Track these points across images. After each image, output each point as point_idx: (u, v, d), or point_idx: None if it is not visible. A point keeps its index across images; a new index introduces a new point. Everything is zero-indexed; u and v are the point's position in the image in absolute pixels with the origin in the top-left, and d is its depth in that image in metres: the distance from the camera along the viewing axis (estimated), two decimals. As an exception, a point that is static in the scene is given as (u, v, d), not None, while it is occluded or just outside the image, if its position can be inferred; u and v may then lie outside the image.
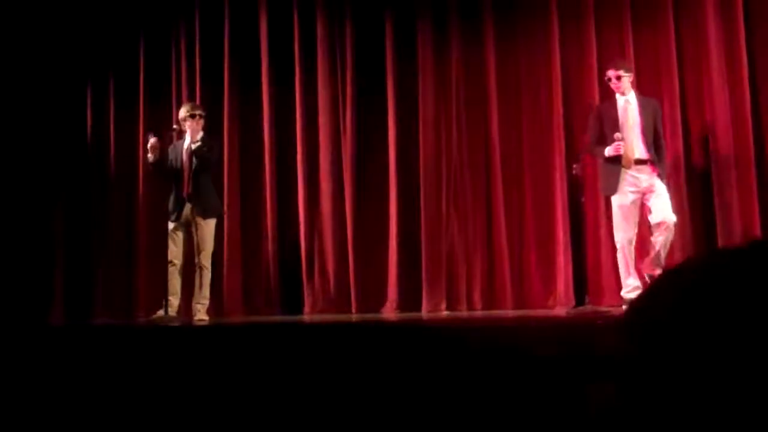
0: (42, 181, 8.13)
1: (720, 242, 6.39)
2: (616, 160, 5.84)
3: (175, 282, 6.56)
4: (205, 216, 6.56)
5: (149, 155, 6.56)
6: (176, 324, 6.32)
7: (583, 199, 6.65)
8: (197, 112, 6.67)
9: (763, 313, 0.65)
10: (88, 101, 8.27)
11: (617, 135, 5.80)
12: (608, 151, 5.84)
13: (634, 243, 5.92)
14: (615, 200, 5.93)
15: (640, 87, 6.58)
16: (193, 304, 6.59)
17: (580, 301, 6.63)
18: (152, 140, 6.56)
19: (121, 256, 8.00)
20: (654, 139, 5.87)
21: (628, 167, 5.82)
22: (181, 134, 6.71)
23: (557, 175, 6.89)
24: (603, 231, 6.71)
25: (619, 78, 5.91)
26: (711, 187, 6.47)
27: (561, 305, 6.68)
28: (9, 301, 7.54)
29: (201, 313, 6.55)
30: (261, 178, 7.73)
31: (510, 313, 6.69)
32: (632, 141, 5.84)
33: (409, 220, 7.26)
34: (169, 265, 6.55)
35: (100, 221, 8.07)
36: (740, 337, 0.65)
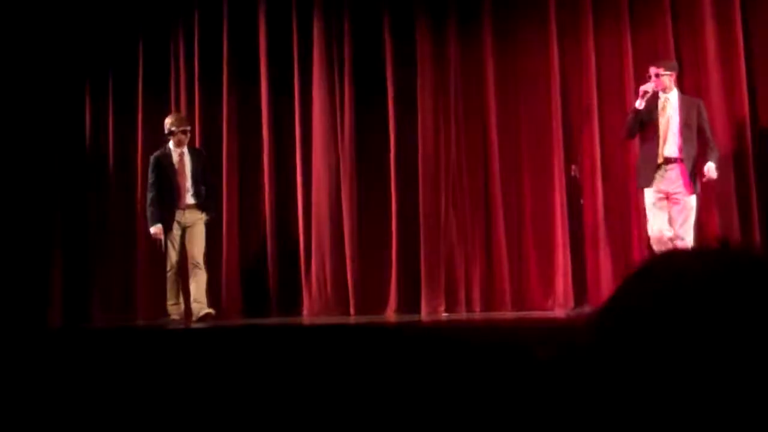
0: (40, 183, 8.11)
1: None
2: (654, 155, 5.88)
3: (178, 286, 6.64)
4: (204, 219, 6.68)
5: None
6: (177, 326, 6.35)
7: (582, 201, 6.66)
8: (189, 127, 6.86)
9: (726, 315, 0.66)
10: (87, 102, 8.27)
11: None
12: (639, 102, 5.91)
13: (666, 235, 5.87)
14: (647, 193, 5.96)
15: (637, 90, 6.59)
16: (192, 305, 6.64)
17: (579, 302, 6.64)
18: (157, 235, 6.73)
19: (120, 259, 7.99)
20: (699, 139, 5.90)
21: (660, 162, 5.88)
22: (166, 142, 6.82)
23: (556, 177, 6.88)
24: (602, 232, 6.72)
25: (657, 76, 5.94)
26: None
27: (560, 307, 6.68)
28: (7, 303, 7.53)
29: (204, 309, 6.60)
30: (259, 179, 7.72)
31: (509, 314, 6.69)
32: (667, 138, 5.90)
33: (408, 221, 7.26)
34: (170, 271, 6.63)
35: (99, 223, 8.07)
36: (705, 337, 0.65)
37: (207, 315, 6.56)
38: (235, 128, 7.86)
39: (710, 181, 5.93)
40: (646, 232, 6.41)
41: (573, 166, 6.54)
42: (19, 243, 7.96)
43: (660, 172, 5.88)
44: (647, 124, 5.97)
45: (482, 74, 7.22)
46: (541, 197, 6.97)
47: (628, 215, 6.72)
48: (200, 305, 6.64)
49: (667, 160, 5.88)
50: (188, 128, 6.88)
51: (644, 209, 6.20)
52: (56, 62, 8.22)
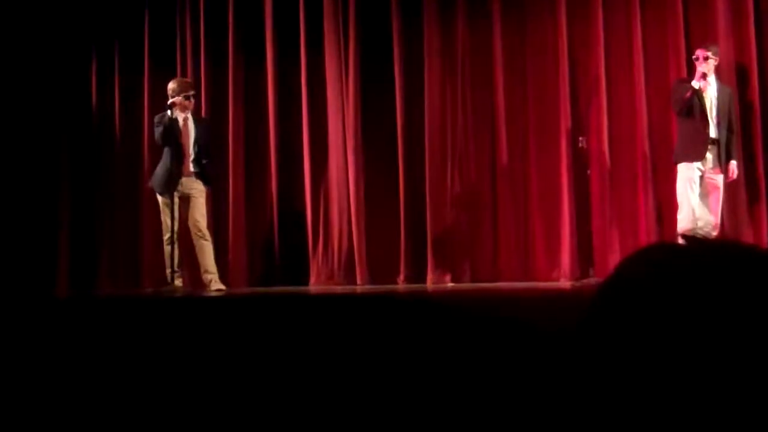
0: (46, 152, 8.13)
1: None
2: (702, 132, 6.00)
3: (177, 255, 6.59)
4: (206, 184, 6.68)
5: (173, 111, 6.58)
6: (182, 295, 6.36)
7: (589, 172, 6.65)
8: (192, 93, 6.73)
9: (718, 301, 0.67)
10: (93, 70, 8.26)
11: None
12: (696, 83, 6.01)
13: (697, 207, 6.01)
14: (682, 171, 6.07)
15: (646, 63, 6.56)
16: (203, 275, 6.63)
17: (584, 273, 6.65)
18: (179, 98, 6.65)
19: (126, 228, 8.02)
20: (728, 124, 6.08)
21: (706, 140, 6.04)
22: (172, 106, 6.67)
23: (563, 147, 6.86)
24: (608, 203, 6.71)
25: (706, 59, 6.07)
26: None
27: (565, 277, 6.70)
28: (14, 272, 7.56)
29: (217, 283, 6.60)
30: (266, 148, 7.71)
31: (515, 285, 6.71)
32: (708, 121, 6.05)
33: (415, 192, 7.26)
34: (168, 240, 6.57)
35: (105, 192, 8.08)
36: (695, 321, 0.66)
37: (218, 291, 6.55)
38: (242, 97, 7.84)
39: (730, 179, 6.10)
40: (653, 203, 6.43)
41: (580, 138, 6.53)
42: (26, 212, 7.99)
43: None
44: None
45: (490, 44, 7.18)
46: (548, 168, 6.96)
47: (635, 186, 6.71)
48: (212, 275, 6.63)
49: (711, 141, 6.04)
50: (191, 93, 6.73)
51: (651, 178, 6.28)
52: (62, 30, 8.19)
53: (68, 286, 7.91)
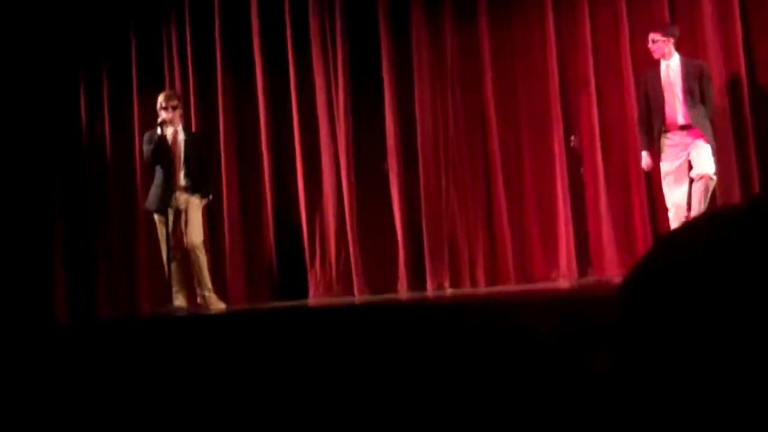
0: (39, 175, 8.12)
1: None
2: (657, 127, 5.95)
3: (181, 275, 6.53)
4: (202, 198, 6.59)
5: (163, 128, 6.50)
6: (182, 314, 6.32)
7: (582, 171, 6.66)
8: (175, 103, 6.63)
9: (757, 290, 0.65)
10: (82, 92, 8.26)
11: (649, 163, 6.03)
12: (644, 161, 6.07)
13: (684, 203, 5.92)
14: (662, 166, 5.99)
15: (634, 60, 6.58)
16: (201, 293, 6.58)
17: (582, 272, 6.66)
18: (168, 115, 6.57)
19: (122, 249, 8.00)
20: (701, 100, 5.89)
21: (665, 130, 5.94)
22: (163, 124, 6.62)
23: (555, 148, 6.87)
24: (603, 202, 6.72)
25: (654, 42, 5.97)
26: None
27: (564, 277, 6.70)
28: (11, 297, 7.53)
29: (216, 301, 6.55)
30: (259, 163, 7.71)
31: (513, 287, 6.71)
32: (675, 106, 5.92)
33: (410, 199, 7.26)
34: (172, 260, 6.49)
35: (99, 214, 8.07)
36: (736, 312, 0.65)
37: (217, 308, 6.51)
38: (232, 112, 7.84)
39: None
40: (647, 199, 6.44)
41: (572, 137, 6.55)
42: (20, 237, 7.97)
43: (671, 136, 5.93)
44: (651, 95, 6.01)
45: (478, 47, 7.19)
46: (542, 169, 6.97)
47: (629, 184, 6.72)
48: (209, 293, 6.55)
49: (682, 127, 5.91)
50: (175, 104, 6.57)
51: (644, 174, 6.31)
52: (49, 53, 8.20)
53: (66, 310, 7.88)
